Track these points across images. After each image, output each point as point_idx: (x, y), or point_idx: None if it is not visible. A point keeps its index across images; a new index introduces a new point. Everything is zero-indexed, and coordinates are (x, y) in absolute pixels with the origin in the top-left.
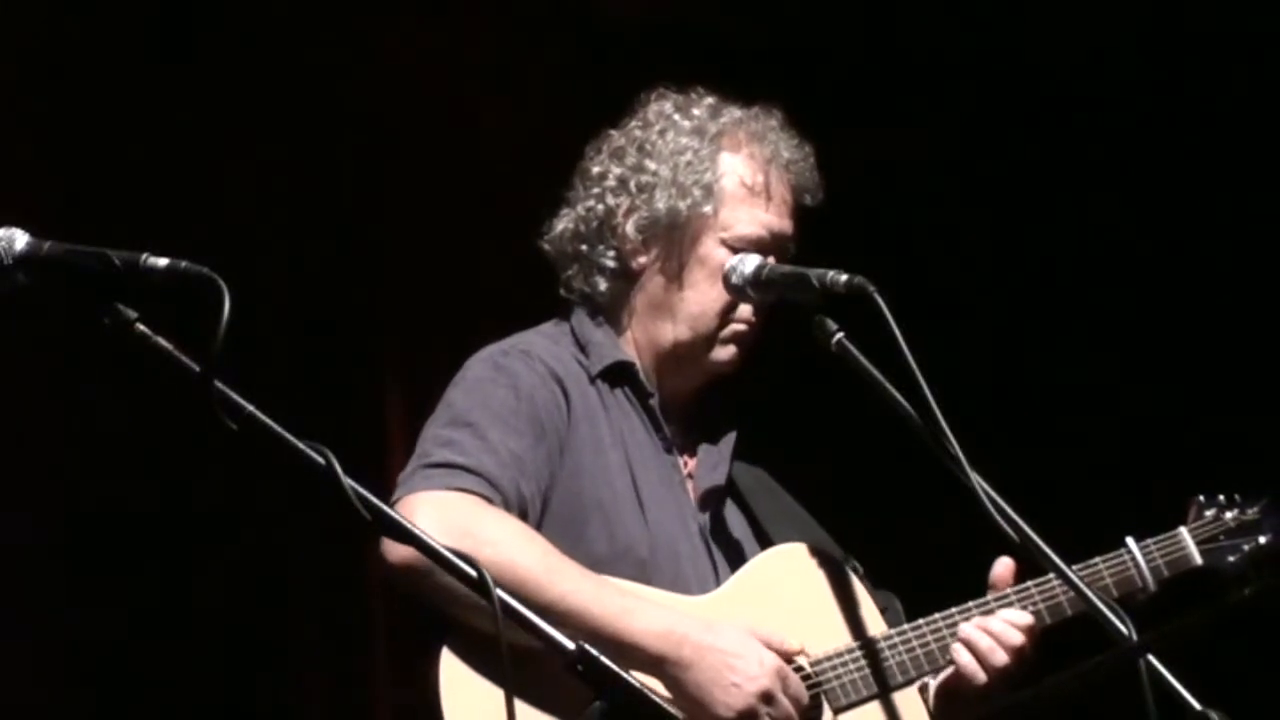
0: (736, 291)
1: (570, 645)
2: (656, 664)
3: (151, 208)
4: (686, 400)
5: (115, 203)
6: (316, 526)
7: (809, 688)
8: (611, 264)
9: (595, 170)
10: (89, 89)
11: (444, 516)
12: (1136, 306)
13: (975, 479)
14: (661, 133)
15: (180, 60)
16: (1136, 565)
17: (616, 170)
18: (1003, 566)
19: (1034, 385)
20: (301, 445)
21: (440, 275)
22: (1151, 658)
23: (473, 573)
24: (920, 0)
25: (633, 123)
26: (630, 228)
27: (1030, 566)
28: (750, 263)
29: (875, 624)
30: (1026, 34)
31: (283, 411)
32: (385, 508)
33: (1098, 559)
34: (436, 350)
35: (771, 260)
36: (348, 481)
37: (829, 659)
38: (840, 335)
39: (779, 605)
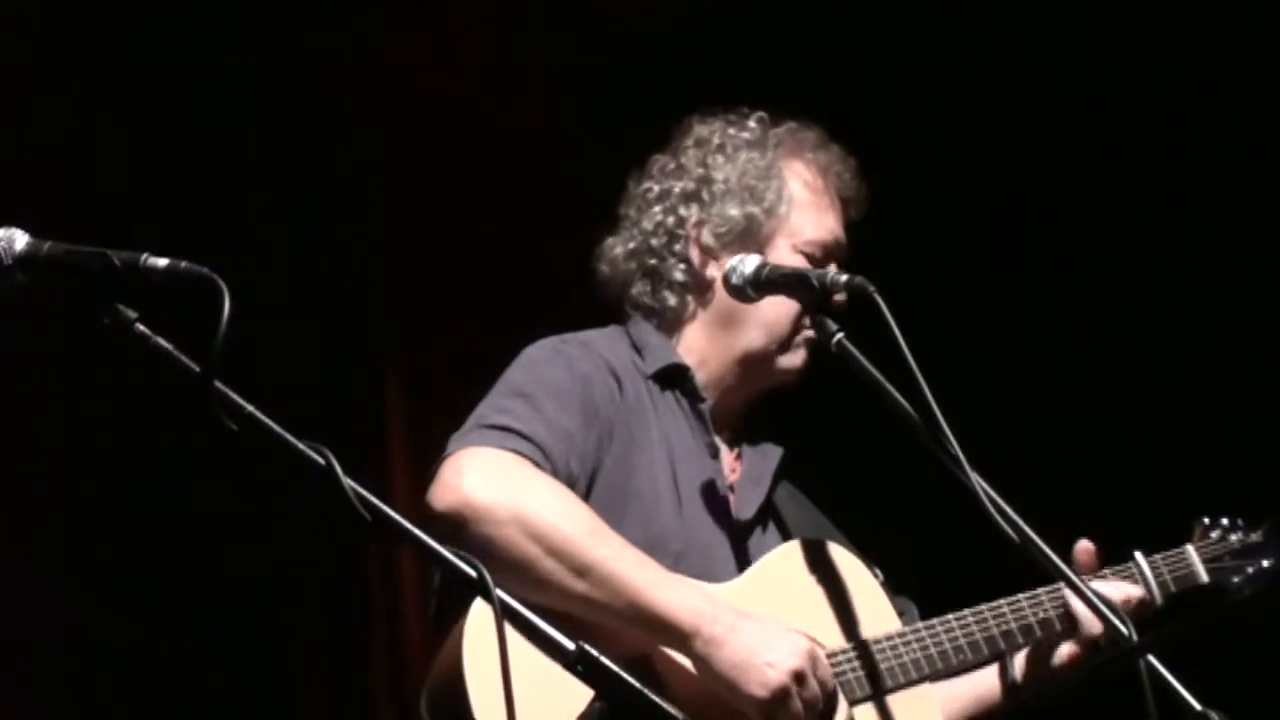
0: (737, 292)
1: (570, 645)
2: (689, 638)
3: (151, 208)
4: (737, 412)
5: (115, 203)
6: (317, 527)
7: None
8: (681, 277)
9: (656, 189)
10: (89, 89)
11: (495, 471)
12: (1152, 318)
13: (975, 479)
14: (720, 147)
15: (179, 60)
16: (1144, 579)
17: (680, 185)
18: (1085, 553)
19: (1038, 392)
20: (301, 445)
21: (440, 275)
22: (1151, 658)
23: (472, 573)
24: (922, 4)
25: (685, 142)
26: (706, 236)
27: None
28: (750, 263)
29: (891, 623)
30: (1025, 34)
31: (283, 411)
32: (385, 508)
33: (1107, 570)
34: (436, 350)
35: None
36: (348, 481)
37: (845, 652)
38: (840, 335)
39: (795, 598)
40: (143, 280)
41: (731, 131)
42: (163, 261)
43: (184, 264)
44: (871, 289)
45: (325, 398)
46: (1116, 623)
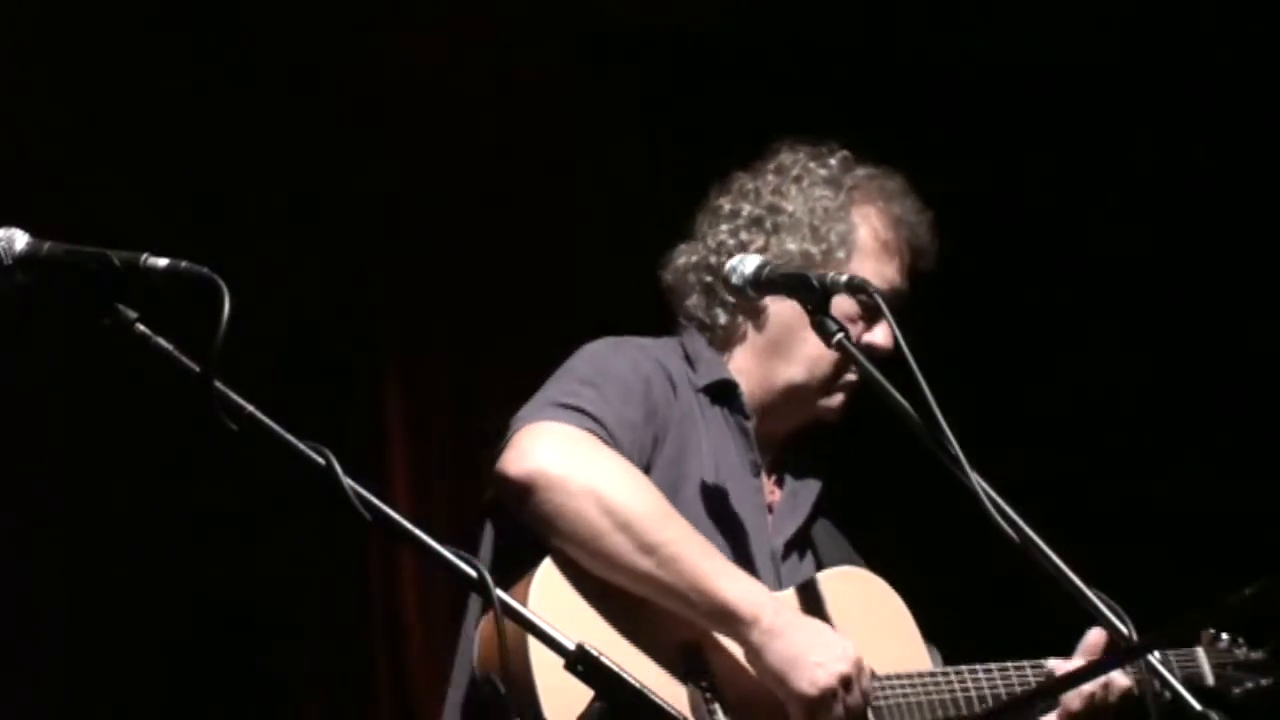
0: (737, 292)
1: (570, 645)
2: (748, 626)
3: (151, 208)
4: (778, 439)
5: (115, 202)
6: (317, 527)
7: None
8: (734, 298)
9: (727, 208)
10: (88, 88)
11: (572, 443)
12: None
13: (975, 479)
14: (797, 179)
15: (179, 60)
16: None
17: (749, 209)
18: (1095, 634)
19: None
20: (301, 446)
21: (440, 275)
22: (1152, 658)
23: (472, 573)
24: (922, 3)
25: (767, 166)
26: None
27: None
28: (751, 263)
29: (922, 660)
30: (1027, 36)
31: (282, 411)
32: (385, 508)
33: None
34: (436, 351)
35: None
36: (347, 481)
37: (879, 679)
38: (840, 335)
39: (836, 621)
40: (143, 280)
41: (811, 165)
42: (163, 261)
43: (184, 264)
44: (872, 289)
45: (325, 398)
46: (1117, 623)
